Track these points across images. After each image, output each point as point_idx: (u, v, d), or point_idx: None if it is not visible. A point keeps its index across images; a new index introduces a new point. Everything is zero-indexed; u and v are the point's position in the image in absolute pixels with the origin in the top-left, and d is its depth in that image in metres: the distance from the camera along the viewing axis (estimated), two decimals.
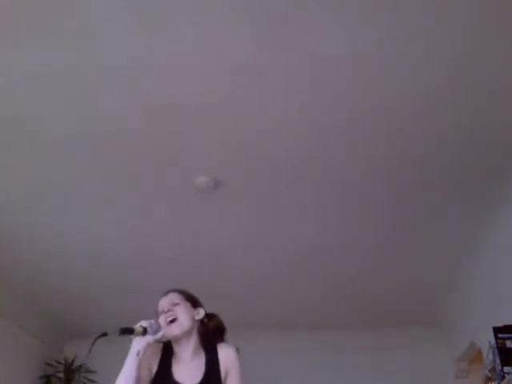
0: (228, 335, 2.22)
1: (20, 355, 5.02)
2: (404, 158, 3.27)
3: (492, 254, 3.94)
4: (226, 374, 2.08)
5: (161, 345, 2.14)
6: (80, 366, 5.29)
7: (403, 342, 5.26)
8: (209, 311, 2.25)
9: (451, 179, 3.46)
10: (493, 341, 3.38)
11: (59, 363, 5.36)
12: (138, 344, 2.00)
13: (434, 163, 3.31)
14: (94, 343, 1.92)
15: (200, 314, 2.20)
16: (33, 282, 4.52)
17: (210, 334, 2.18)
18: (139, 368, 1.98)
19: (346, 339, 5.27)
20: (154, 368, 2.09)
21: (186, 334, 2.11)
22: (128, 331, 1.99)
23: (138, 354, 1.98)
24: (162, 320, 2.09)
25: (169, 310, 2.12)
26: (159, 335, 2.04)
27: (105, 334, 1.95)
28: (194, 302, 2.22)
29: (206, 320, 2.21)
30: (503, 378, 3.22)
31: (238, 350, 2.17)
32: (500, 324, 3.38)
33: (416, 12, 2.38)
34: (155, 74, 2.69)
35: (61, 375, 5.30)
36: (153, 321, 2.06)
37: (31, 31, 2.43)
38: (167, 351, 2.13)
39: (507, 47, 2.55)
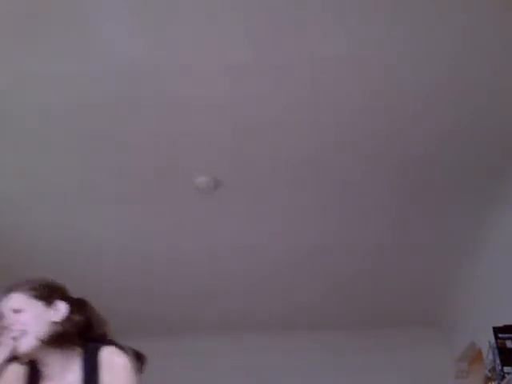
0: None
1: None
2: (404, 157, 3.27)
3: (492, 254, 3.94)
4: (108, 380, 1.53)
5: (22, 368, 1.60)
6: None
7: (403, 342, 5.25)
8: (77, 296, 1.73)
9: (451, 179, 3.46)
10: (493, 341, 3.38)
11: None
12: None
13: (434, 163, 3.31)
14: None
15: (59, 311, 1.63)
16: None
17: (83, 331, 1.64)
18: None
19: (346, 339, 5.26)
20: None
21: (43, 347, 1.54)
22: None
23: None
24: (3, 339, 1.51)
25: (10, 325, 1.54)
26: (1, 360, 1.49)
27: None
28: (49, 297, 1.65)
29: (74, 313, 1.65)
30: (503, 377, 3.22)
31: (129, 353, 1.60)
32: (500, 324, 3.38)
33: (416, 12, 2.38)
34: (155, 74, 2.69)
35: None
36: None
37: (31, 31, 2.43)
38: (33, 370, 1.59)
39: (507, 47, 2.55)
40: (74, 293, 1.77)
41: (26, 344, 1.53)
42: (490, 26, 2.44)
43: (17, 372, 1.58)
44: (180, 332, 4.90)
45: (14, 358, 1.54)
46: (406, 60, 2.62)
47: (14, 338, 1.52)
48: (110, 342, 1.64)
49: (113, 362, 1.56)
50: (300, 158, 3.28)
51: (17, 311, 1.57)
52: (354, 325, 5.24)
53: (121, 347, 1.61)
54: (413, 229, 3.97)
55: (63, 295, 1.70)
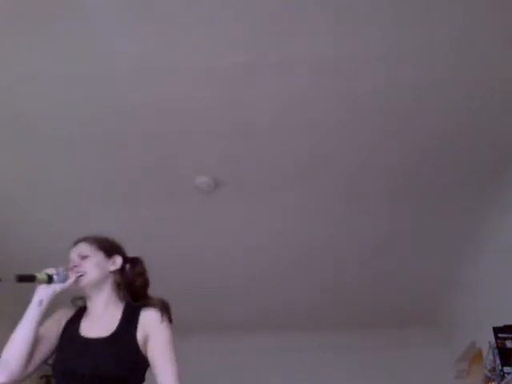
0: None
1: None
2: (404, 158, 3.27)
3: (492, 254, 3.94)
4: (146, 338, 1.80)
5: (74, 309, 1.95)
6: None
7: (403, 342, 5.25)
8: (132, 255, 2.03)
9: (451, 179, 3.46)
10: (493, 341, 3.38)
11: None
12: (41, 292, 1.80)
13: (434, 163, 3.31)
14: None
15: (116, 263, 1.96)
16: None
17: (132, 283, 1.96)
18: (40, 320, 1.78)
19: (345, 339, 5.26)
20: (61, 328, 1.89)
21: (95, 287, 1.89)
22: (28, 278, 1.77)
23: (40, 304, 1.78)
24: (70, 273, 1.88)
25: (75, 266, 1.90)
26: (67, 284, 1.83)
27: None
28: (109, 251, 1.99)
29: (127, 267, 1.99)
30: (503, 377, 3.22)
31: (167, 309, 1.89)
32: (500, 324, 3.38)
33: (416, 12, 2.38)
34: (155, 73, 2.69)
35: None
36: (61, 268, 1.86)
37: (31, 31, 2.43)
38: (80, 311, 1.93)
39: (507, 47, 2.55)
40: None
41: (84, 281, 1.87)
42: (489, 26, 2.44)
43: (68, 309, 1.93)
44: (179, 332, 4.89)
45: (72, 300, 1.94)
46: (406, 60, 2.62)
47: (78, 276, 1.87)
48: (149, 303, 1.92)
49: (150, 314, 1.84)
50: (300, 157, 3.28)
51: (82, 257, 1.93)
52: (354, 325, 5.24)
53: (160, 308, 1.88)
54: (413, 229, 3.97)
55: (121, 252, 2.03)
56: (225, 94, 2.81)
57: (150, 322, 1.84)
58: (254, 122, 3.01)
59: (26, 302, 1.88)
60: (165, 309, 1.90)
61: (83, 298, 1.96)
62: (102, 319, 1.86)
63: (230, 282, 4.55)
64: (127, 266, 2.00)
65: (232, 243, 4.12)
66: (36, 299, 1.81)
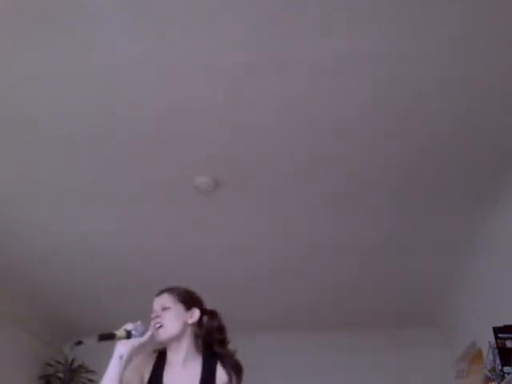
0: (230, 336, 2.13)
1: (20, 355, 5.02)
2: (404, 157, 3.27)
3: (492, 253, 3.94)
4: None
5: (155, 354, 2.04)
6: (80, 366, 5.28)
7: (403, 342, 5.25)
8: (210, 308, 2.11)
9: (451, 179, 3.46)
10: (493, 341, 3.38)
11: (59, 363, 5.34)
12: (121, 348, 1.89)
13: (434, 163, 3.31)
14: (71, 351, 1.84)
15: (194, 316, 2.05)
16: (32, 281, 4.52)
17: (210, 335, 2.04)
18: (122, 373, 1.86)
19: (345, 339, 5.26)
20: (146, 377, 1.98)
21: (174, 339, 1.99)
22: (108, 337, 1.86)
23: (121, 358, 1.86)
24: (151, 325, 1.99)
25: (157, 316, 2.00)
26: (145, 338, 1.93)
27: (80, 343, 1.87)
28: (189, 303, 2.07)
29: (204, 320, 2.07)
30: (503, 378, 3.22)
31: (237, 372, 2.00)
32: (500, 324, 3.38)
33: (416, 12, 2.38)
34: (155, 73, 2.69)
35: (61, 375, 5.29)
36: (139, 323, 1.96)
37: (31, 31, 2.43)
38: (161, 358, 2.02)
39: (507, 48, 2.55)
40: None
41: (163, 335, 1.97)
42: (489, 26, 2.44)
43: (150, 355, 2.02)
44: None
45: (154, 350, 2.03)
46: (406, 60, 2.62)
47: (157, 328, 1.96)
48: (226, 346, 2.05)
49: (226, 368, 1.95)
50: (300, 157, 3.28)
51: (164, 309, 2.02)
52: (354, 325, 5.24)
53: (232, 371, 1.98)
54: (413, 229, 3.97)
55: (200, 304, 2.10)
56: (225, 94, 2.81)
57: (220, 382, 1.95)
58: (254, 122, 3.01)
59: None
60: (235, 372, 1.99)
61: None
62: (182, 371, 1.97)
63: (230, 281, 4.55)
64: (205, 318, 2.08)
65: (232, 243, 4.12)
66: (116, 355, 1.88)
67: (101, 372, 1.95)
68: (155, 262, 4.30)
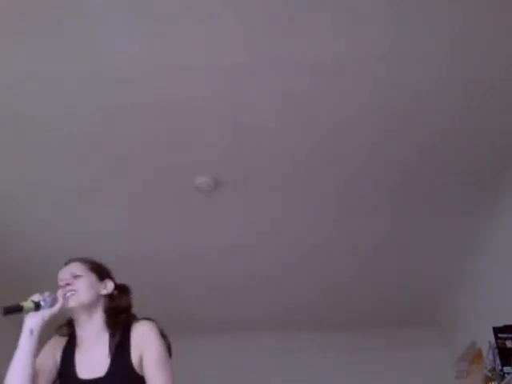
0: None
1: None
2: (404, 157, 3.27)
3: (492, 253, 3.94)
4: (141, 355, 1.77)
5: (64, 338, 1.91)
6: None
7: (403, 342, 5.25)
8: (120, 282, 1.99)
9: (451, 179, 3.46)
10: (493, 341, 3.38)
11: None
12: (30, 321, 1.75)
13: (434, 163, 3.31)
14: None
15: (108, 287, 1.92)
16: (32, 282, 4.52)
17: (120, 310, 1.90)
18: (35, 350, 1.73)
19: (345, 339, 5.26)
20: (58, 359, 1.85)
21: (86, 309, 1.84)
22: (14, 309, 1.72)
23: (31, 333, 1.73)
24: (59, 294, 1.83)
25: (67, 284, 1.85)
26: (56, 308, 1.78)
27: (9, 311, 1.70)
28: (102, 274, 1.95)
29: (115, 294, 1.93)
30: (503, 378, 3.22)
31: (154, 324, 1.85)
32: (500, 324, 3.38)
33: (416, 12, 2.38)
34: (155, 73, 2.69)
35: None
36: (47, 293, 1.81)
37: (31, 31, 2.44)
38: (71, 339, 1.88)
39: (507, 47, 2.55)
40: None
41: (75, 301, 1.82)
42: (489, 26, 2.44)
43: (56, 341, 1.90)
44: (179, 332, 4.88)
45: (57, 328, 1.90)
46: (406, 60, 2.62)
47: (67, 295, 1.83)
48: (135, 319, 1.90)
49: (141, 330, 1.82)
50: (300, 158, 3.28)
51: (75, 276, 1.88)
52: (354, 325, 5.24)
53: (147, 320, 1.86)
54: (413, 229, 3.97)
55: (112, 277, 1.98)
56: (225, 94, 2.81)
57: (141, 338, 1.81)
58: (254, 122, 3.01)
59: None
60: (151, 320, 1.88)
61: (67, 326, 1.93)
62: (93, 352, 1.82)
63: (230, 281, 4.55)
64: (115, 292, 1.94)
65: (232, 243, 4.12)
66: (26, 330, 1.76)
67: None
68: (155, 262, 4.30)
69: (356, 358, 5.18)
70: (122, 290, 1.97)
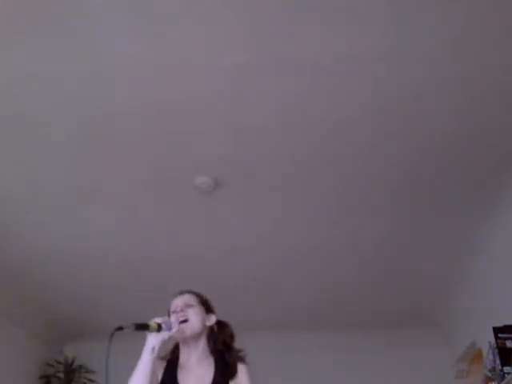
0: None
1: (20, 355, 5.02)
2: (404, 157, 3.27)
3: (492, 253, 3.94)
4: None
5: (164, 360, 2.11)
6: (80, 366, 5.29)
7: (403, 342, 5.26)
8: (220, 319, 2.21)
9: (451, 179, 3.46)
10: (493, 341, 3.38)
11: (59, 363, 5.35)
12: (153, 340, 1.95)
13: (434, 163, 3.32)
14: (111, 338, 1.85)
15: (211, 320, 2.16)
16: (32, 281, 4.52)
17: (219, 342, 2.14)
18: (154, 365, 1.94)
19: (345, 339, 5.26)
20: (159, 376, 2.05)
21: (195, 337, 2.08)
22: (143, 327, 1.94)
23: (153, 350, 1.94)
24: (173, 319, 2.04)
25: (181, 311, 2.09)
26: (173, 331, 2.00)
27: (120, 329, 1.88)
28: (208, 307, 2.19)
29: (215, 328, 2.17)
30: (503, 378, 3.22)
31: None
32: (500, 324, 3.38)
33: (416, 12, 2.38)
34: (155, 73, 2.69)
35: (61, 375, 5.30)
36: (167, 317, 2.03)
37: (31, 31, 2.43)
38: (172, 362, 2.10)
39: (507, 47, 2.55)
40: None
41: (190, 329, 2.05)
42: (489, 26, 2.44)
43: (158, 361, 2.04)
44: None
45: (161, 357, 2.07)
46: (406, 60, 2.62)
47: (181, 322, 2.03)
48: (238, 356, 2.14)
49: (240, 368, 2.07)
50: (300, 158, 3.28)
51: (188, 306, 2.12)
52: (354, 325, 5.24)
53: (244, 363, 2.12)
54: (413, 229, 3.97)
55: (215, 312, 2.21)
56: (225, 94, 2.81)
57: (241, 375, 2.06)
58: (254, 122, 3.01)
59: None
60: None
61: (174, 350, 2.14)
62: (197, 372, 2.04)
63: (230, 281, 4.55)
64: (215, 327, 2.18)
65: (232, 243, 4.12)
66: (149, 346, 1.95)
67: (100, 372, 1.96)
68: (155, 262, 4.30)
69: (356, 357, 5.18)
70: (222, 324, 2.20)
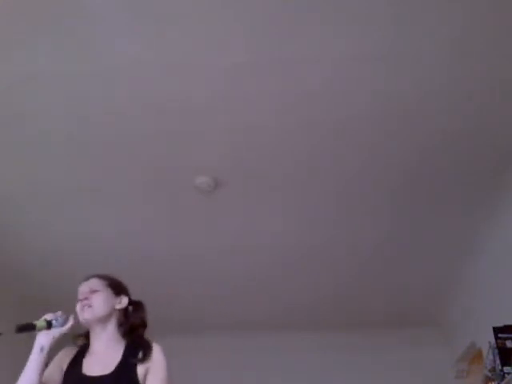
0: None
1: (20, 355, 5.01)
2: (404, 157, 3.27)
3: (492, 254, 3.94)
4: (147, 369, 1.92)
5: (76, 348, 2.05)
6: None
7: (403, 342, 5.25)
8: (136, 299, 2.14)
9: (451, 179, 3.46)
10: (493, 341, 3.38)
11: None
12: (41, 339, 1.88)
13: (434, 163, 3.31)
14: None
15: (122, 302, 2.08)
16: (33, 282, 4.52)
17: (133, 325, 2.06)
18: (43, 366, 1.86)
19: (345, 339, 5.26)
20: (65, 367, 1.98)
21: (100, 321, 2.00)
22: (27, 328, 1.85)
23: (41, 351, 1.86)
24: (78, 307, 2.00)
25: (85, 298, 2.02)
26: (66, 328, 1.93)
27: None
28: (118, 290, 2.11)
29: (130, 309, 2.09)
30: (503, 378, 3.22)
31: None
32: (500, 324, 3.38)
33: (416, 12, 2.38)
34: (155, 74, 2.69)
35: None
36: (59, 313, 1.96)
37: (31, 31, 2.43)
38: (83, 349, 2.03)
39: (507, 47, 2.55)
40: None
41: (89, 314, 1.98)
42: (489, 26, 2.44)
43: (68, 351, 2.01)
44: (179, 332, 4.90)
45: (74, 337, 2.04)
46: (406, 60, 2.62)
47: (84, 309, 1.98)
48: (149, 341, 2.03)
49: (153, 348, 1.96)
50: (300, 157, 3.28)
51: (93, 291, 2.04)
52: (354, 325, 5.24)
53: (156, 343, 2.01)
54: (413, 229, 3.97)
55: (128, 293, 2.13)
56: (225, 94, 2.81)
57: (153, 357, 1.95)
58: (254, 122, 3.01)
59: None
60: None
61: (84, 337, 2.07)
62: (104, 356, 1.95)
63: (230, 281, 4.55)
64: (130, 308, 2.10)
65: (232, 243, 4.11)
66: (37, 346, 1.88)
67: None
68: (155, 262, 4.30)
69: (356, 358, 5.18)
70: (136, 305, 2.11)
